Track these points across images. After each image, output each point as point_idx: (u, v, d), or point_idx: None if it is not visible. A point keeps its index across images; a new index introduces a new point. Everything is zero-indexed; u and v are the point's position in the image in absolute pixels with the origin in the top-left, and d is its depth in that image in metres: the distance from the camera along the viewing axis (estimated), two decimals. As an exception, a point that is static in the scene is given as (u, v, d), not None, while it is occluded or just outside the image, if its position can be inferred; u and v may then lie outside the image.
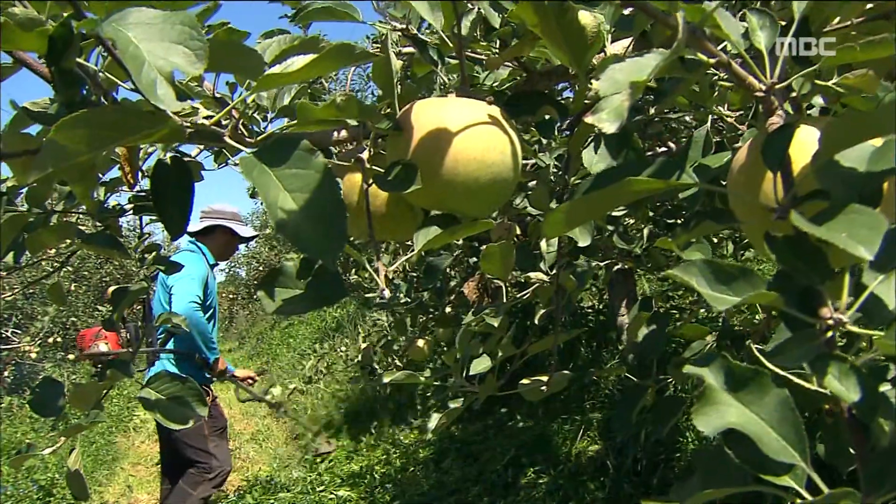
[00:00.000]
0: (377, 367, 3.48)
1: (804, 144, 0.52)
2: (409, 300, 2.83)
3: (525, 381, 1.28)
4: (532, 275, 1.12)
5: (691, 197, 0.84)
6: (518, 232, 1.68)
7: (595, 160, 0.74)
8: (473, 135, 0.68)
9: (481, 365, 1.18)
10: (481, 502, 3.67)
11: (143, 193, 1.41)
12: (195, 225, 3.74)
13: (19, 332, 7.58)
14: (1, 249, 1.08)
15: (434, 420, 1.21)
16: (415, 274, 2.93)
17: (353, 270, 3.59)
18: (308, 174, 0.56)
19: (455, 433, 4.60)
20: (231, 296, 16.04)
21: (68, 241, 1.32)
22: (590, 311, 4.66)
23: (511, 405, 4.57)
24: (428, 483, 4.08)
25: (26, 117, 0.81)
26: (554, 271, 1.09)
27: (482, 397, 1.21)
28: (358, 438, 5.12)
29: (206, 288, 3.60)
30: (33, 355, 7.14)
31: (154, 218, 1.44)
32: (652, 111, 0.95)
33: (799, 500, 0.44)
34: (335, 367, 5.83)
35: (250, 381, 3.97)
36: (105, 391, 1.29)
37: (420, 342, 2.68)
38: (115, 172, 1.34)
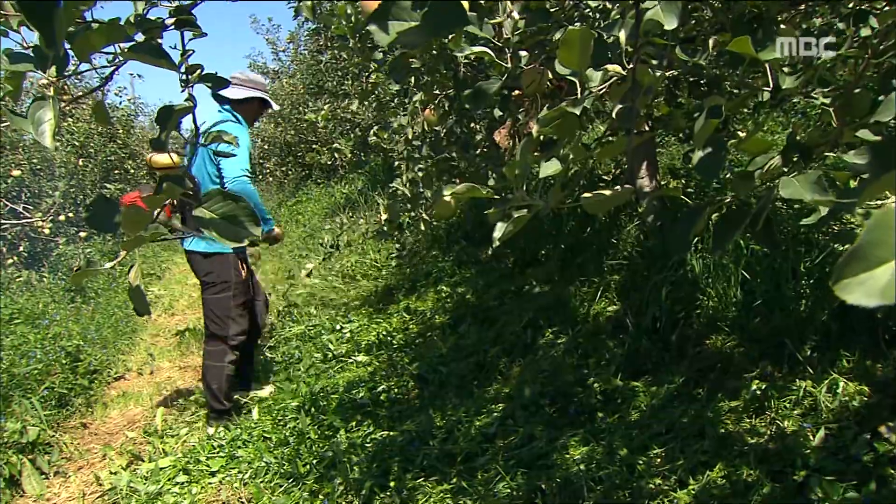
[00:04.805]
0: (403, 222, 3.49)
1: None
2: (434, 155, 2.79)
3: (587, 194, 1.25)
4: (609, 67, 1.07)
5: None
6: (550, 76, 1.60)
7: None
8: None
9: (551, 168, 1.14)
10: (500, 362, 3.73)
11: (186, 4, 1.34)
12: (235, 92, 3.66)
13: (31, 208, 7.55)
14: (59, 33, 1.00)
15: (500, 229, 1.19)
16: (437, 131, 2.87)
17: (372, 132, 3.53)
18: None
19: (471, 300, 4.64)
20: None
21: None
22: (607, 178, 4.61)
23: (527, 271, 4.60)
24: (446, 346, 4.14)
25: None
26: (630, 65, 1.04)
27: (550, 207, 1.18)
28: (375, 309, 5.19)
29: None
30: (46, 231, 7.15)
31: (197, 34, 1.37)
32: None
33: None
34: (354, 240, 5.85)
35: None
36: (158, 211, 1.26)
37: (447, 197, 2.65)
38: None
